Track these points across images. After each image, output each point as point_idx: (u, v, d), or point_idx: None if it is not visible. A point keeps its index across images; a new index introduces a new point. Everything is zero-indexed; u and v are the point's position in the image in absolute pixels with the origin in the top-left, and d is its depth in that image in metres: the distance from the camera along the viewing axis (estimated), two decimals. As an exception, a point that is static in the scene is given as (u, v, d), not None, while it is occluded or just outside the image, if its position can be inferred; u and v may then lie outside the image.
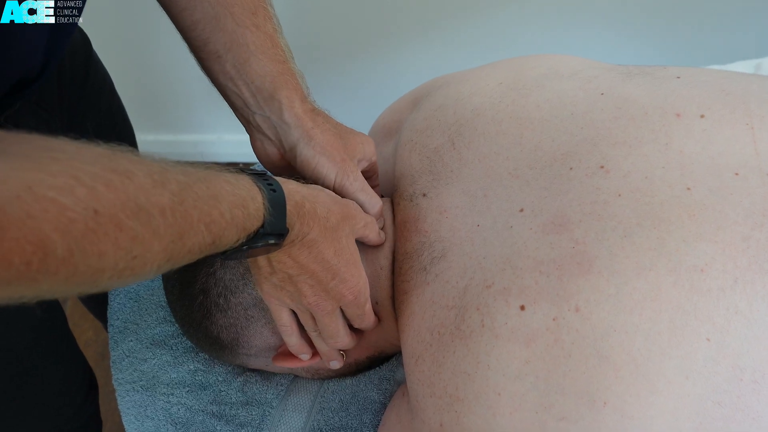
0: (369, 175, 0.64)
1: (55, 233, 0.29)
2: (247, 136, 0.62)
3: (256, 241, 0.42)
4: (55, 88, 0.65)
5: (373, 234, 0.57)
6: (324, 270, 0.50)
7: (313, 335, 0.57)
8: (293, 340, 0.57)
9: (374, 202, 0.59)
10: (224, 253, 0.42)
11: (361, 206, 0.58)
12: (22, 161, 0.29)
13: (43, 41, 0.52)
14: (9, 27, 0.47)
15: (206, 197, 0.38)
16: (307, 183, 0.52)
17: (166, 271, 0.37)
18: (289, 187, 0.46)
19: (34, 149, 0.31)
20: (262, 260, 0.49)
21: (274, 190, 0.44)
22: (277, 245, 0.45)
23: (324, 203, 0.50)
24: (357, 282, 0.53)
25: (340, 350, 0.61)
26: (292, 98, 0.57)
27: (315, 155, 0.56)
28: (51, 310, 0.69)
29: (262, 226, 0.42)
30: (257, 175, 0.45)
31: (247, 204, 0.41)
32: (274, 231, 0.43)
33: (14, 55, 0.50)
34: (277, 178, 0.46)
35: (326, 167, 0.56)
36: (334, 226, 0.50)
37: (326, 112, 0.60)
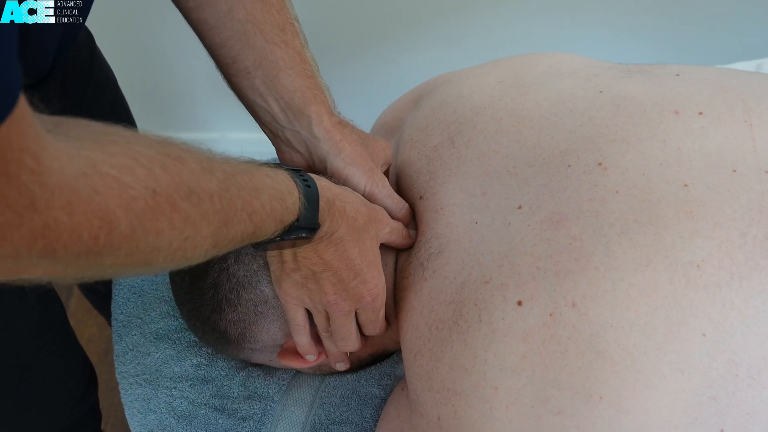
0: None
1: (120, 210, 0.30)
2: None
3: (289, 233, 0.44)
4: (59, 84, 0.66)
5: (399, 239, 0.58)
6: (347, 269, 0.51)
7: (324, 335, 0.58)
8: (304, 341, 0.58)
9: (400, 206, 0.60)
10: (257, 244, 0.44)
11: (388, 211, 0.59)
12: (84, 142, 0.30)
13: (54, 44, 0.53)
14: (25, 30, 0.48)
15: (248, 188, 0.39)
16: (338, 183, 0.53)
17: (207, 259, 0.39)
18: (322, 183, 0.48)
19: (92, 133, 0.32)
20: (287, 255, 0.51)
21: (309, 186, 0.46)
22: (307, 239, 0.47)
23: (353, 203, 0.51)
24: (377, 284, 0.54)
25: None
26: (320, 113, 0.58)
27: (345, 166, 0.58)
28: (51, 306, 0.69)
29: (297, 219, 0.44)
30: (293, 171, 0.47)
31: (285, 198, 0.43)
32: (306, 225, 0.45)
33: (28, 61, 0.51)
34: (312, 175, 0.48)
35: (356, 177, 0.58)
36: (361, 227, 0.52)
37: (351, 122, 0.62)
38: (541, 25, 1.29)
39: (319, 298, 0.53)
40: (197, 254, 0.36)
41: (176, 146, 0.36)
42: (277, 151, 0.63)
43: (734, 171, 0.50)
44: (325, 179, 0.50)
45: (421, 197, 0.60)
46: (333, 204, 0.48)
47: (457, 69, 0.72)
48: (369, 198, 0.58)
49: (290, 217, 0.43)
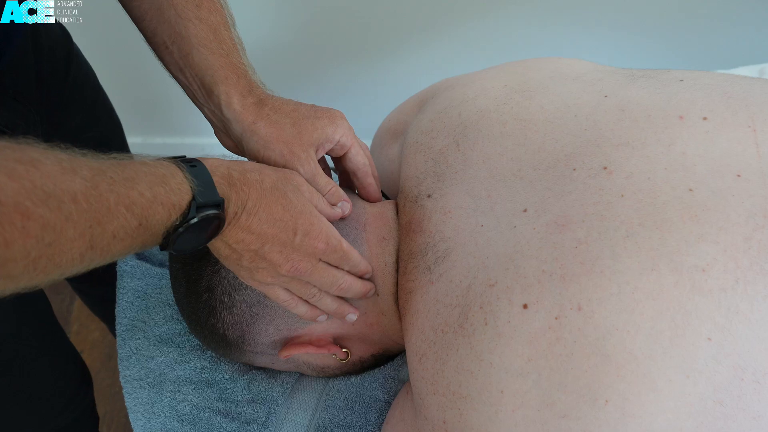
0: (351, 167, 0.62)
1: None
2: None
3: (191, 215, 0.42)
4: (34, 81, 0.65)
5: (323, 206, 0.55)
6: (282, 230, 0.50)
7: (315, 299, 0.56)
8: (302, 309, 0.56)
9: (327, 185, 0.57)
10: (167, 239, 0.42)
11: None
12: None
13: None
14: None
15: (122, 180, 0.38)
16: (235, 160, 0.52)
17: (92, 262, 0.37)
18: (211, 161, 0.47)
19: None
20: (221, 248, 0.49)
21: (194, 166, 0.44)
22: (218, 217, 0.44)
23: (254, 170, 0.50)
24: (320, 228, 0.52)
25: (344, 349, 0.61)
26: (230, 94, 0.57)
27: (259, 150, 0.57)
28: (33, 300, 0.69)
29: (193, 198, 0.42)
30: (176, 158, 0.45)
31: (167, 180, 0.41)
32: (207, 201, 0.43)
33: None
34: (198, 157, 0.46)
35: (272, 160, 0.57)
36: (273, 185, 0.50)
37: (279, 98, 0.59)
38: (545, 30, 1.29)
39: (277, 272, 0.52)
40: (68, 258, 0.35)
41: (32, 149, 0.34)
42: (214, 131, 0.62)
43: (738, 176, 0.50)
44: (216, 158, 0.48)
45: (429, 195, 0.59)
46: (231, 176, 0.46)
47: (461, 73, 0.72)
48: None
49: (182, 197, 0.42)
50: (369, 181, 0.63)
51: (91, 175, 0.36)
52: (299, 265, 0.52)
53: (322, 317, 0.58)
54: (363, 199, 0.65)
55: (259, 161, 0.57)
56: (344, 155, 0.61)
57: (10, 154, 0.33)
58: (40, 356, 0.70)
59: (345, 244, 0.55)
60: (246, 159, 0.60)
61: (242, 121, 0.57)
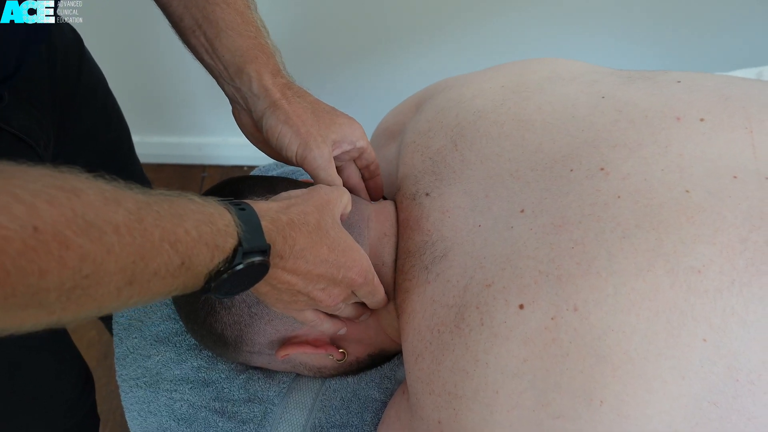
0: (364, 163, 0.64)
1: None
2: None
3: (237, 261, 0.40)
4: (47, 85, 0.66)
5: (348, 210, 0.56)
6: (327, 268, 0.49)
7: (338, 311, 0.56)
8: (327, 326, 0.58)
9: (334, 181, 0.58)
10: (209, 282, 0.40)
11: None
12: None
13: (16, 46, 0.52)
14: None
15: (168, 215, 0.36)
16: (270, 197, 0.51)
17: (129, 300, 0.35)
18: (260, 205, 0.45)
19: None
20: (262, 287, 0.48)
21: (243, 209, 0.42)
22: (264, 265, 0.43)
23: (297, 208, 0.48)
24: (361, 263, 0.53)
25: (341, 350, 0.62)
26: (261, 72, 0.58)
27: (278, 124, 0.57)
28: None
29: (240, 244, 0.40)
30: (225, 199, 0.43)
31: (215, 220, 0.39)
32: (254, 248, 0.41)
33: None
34: (246, 200, 0.45)
35: (288, 137, 0.57)
36: (317, 224, 0.49)
37: (305, 89, 0.61)
38: (542, 31, 1.29)
39: (315, 304, 0.53)
40: (105, 292, 0.33)
41: (74, 178, 0.33)
42: (231, 107, 0.63)
43: (735, 177, 0.50)
44: (262, 201, 0.47)
45: (427, 194, 0.60)
46: (279, 221, 0.45)
47: (458, 74, 0.72)
48: (301, 163, 0.58)
49: (228, 240, 0.39)
50: (379, 173, 0.66)
51: (136, 207, 0.34)
52: (337, 297, 0.52)
53: (343, 330, 0.59)
54: (369, 194, 0.67)
55: (274, 136, 0.58)
56: (358, 156, 0.63)
57: (50, 182, 0.32)
58: (46, 359, 0.70)
59: (376, 279, 0.56)
60: (259, 151, 0.63)
61: (270, 97, 0.58)
